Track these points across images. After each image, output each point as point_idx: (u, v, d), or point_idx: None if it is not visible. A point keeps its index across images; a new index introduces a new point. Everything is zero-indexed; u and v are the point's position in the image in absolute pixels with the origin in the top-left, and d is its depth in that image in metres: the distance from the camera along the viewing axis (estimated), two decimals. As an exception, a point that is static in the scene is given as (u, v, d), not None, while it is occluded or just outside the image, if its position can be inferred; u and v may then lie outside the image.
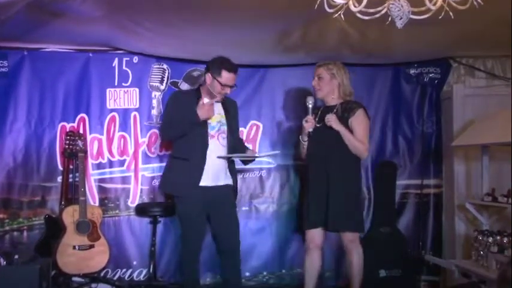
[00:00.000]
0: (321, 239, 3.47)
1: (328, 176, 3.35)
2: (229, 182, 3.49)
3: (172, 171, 3.48)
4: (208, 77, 3.36)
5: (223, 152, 3.43)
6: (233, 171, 3.53)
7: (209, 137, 3.40)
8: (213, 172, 3.39)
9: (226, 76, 3.33)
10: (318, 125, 3.40)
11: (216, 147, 3.42)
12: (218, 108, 3.48)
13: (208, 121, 3.39)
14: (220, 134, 3.45)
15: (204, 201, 3.36)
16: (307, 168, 3.54)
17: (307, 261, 3.52)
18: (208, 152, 3.37)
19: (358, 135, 3.33)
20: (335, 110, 3.39)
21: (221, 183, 3.44)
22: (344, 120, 3.35)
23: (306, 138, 3.45)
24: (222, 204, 3.45)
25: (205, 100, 3.39)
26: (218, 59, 3.37)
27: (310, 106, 3.40)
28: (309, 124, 3.38)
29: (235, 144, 3.58)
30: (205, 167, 3.35)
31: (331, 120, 3.32)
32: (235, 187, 3.56)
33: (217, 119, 3.45)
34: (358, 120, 3.36)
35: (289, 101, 4.41)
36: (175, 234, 4.22)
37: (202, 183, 3.34)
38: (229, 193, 3.51)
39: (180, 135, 3.40)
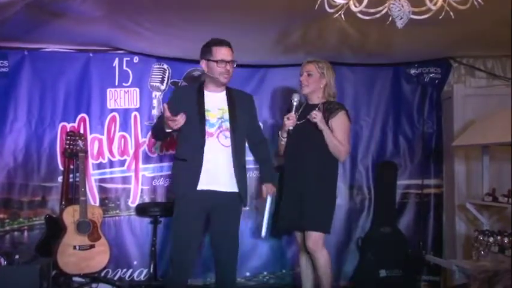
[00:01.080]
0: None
1: (303, 174, 3.26)
2: (235, 189, 3.04)
3: (174, 172, 3.18)
4: (204, 63, 3.04)
5: (224, 153, 3.01)
6: (241, 178, 3.07)
7: (207, 136, 2.99)
8: (213, 175, 2.99)
9: (218, 51, 2.98)
10: (298, 122, 3.30)
11: (217, 147, 3.01)
12: (219, 102, 3.08)
13: (207, 117, 3.01)
14: (222, 132, 3.02)
15: (201, 206, 3.00)
16: (284, 166, 3.43)
17: (301, 261, 3.52)
18: (206, 152, 2.97)
19: (338, 137, 3.23)
20: (317, 109, 3.29)
21: (222, 189, 3.02)
22: (325, 120, 3.25)
23: (285, 135, 3.33)
24: (222, 213, 3.06)
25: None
26: (205, 43, 3.07)
27: (295, 103, 3.29)
28: (291, 122, 3.25)
29: (255, 146, 3.27)
30: (204, 169, 2.97)
31: (317, 117, 3.19)
32: (243, 195, 3.08)
33: (217, 114, 3.05)
34: (339, 122, 3.27)
35: (289, 101, 4.40)
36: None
37: (200, 187, 2.97)
38: (233, 202, 3.07)
39: (159, 134, 3.12)
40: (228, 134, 3.02)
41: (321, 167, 3.27)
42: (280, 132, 3.41)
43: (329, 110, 3.29)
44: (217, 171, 3.01)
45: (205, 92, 3.08)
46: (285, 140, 3.36)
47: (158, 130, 3.07)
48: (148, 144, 4.28)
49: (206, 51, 3.04)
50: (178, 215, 3.06)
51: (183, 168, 3.04)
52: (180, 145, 3.15)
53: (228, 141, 3.02)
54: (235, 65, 3.06)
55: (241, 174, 3.07)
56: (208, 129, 3.00)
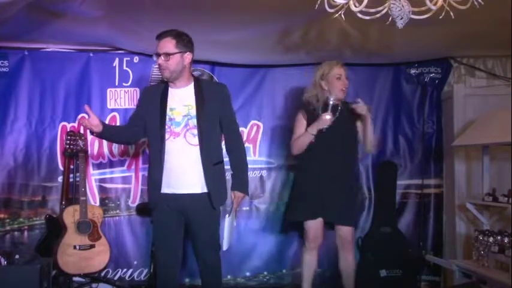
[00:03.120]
0: (322, 235, 3.46)
1: (342, 170, 3.37)
2: (205, 189, 2.85)
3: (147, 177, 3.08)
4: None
5: (193, 153, 2.83)
6: (213, 177, 2.86)
7: (173, 136, 2.83)
8: (179, 177, 2.84)
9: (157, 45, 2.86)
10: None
11: (183, 147, 2.82)
12: (185, 98, 2.88)
13: (172, 116, 2.85)
14: (189, 130, 2.83)
15: (172, 209, 2.87)
16: (309, 160, 3.43)
17: (306, 258, 3.53)
18: (171, 154, 2.82)
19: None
20: (339, 108, 3.40)
21: (192, 190, 2.84)
22: (352, 119, 3.43)
23: (315, 132, 3.33)
24: (196, 216, 2.88)
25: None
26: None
27: (331, 103, 3.33)
28: (329, 121, 3.29)
29: (229, 152, 3.02)
30: (168, 173, 2.83)
31: (365, 108, 3.35)
32: (213, 196, 2.86)
33: (182, 112, 2.85)
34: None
35: (289, 101, 4.41)
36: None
37: (166, 191, 2.85)
38: (203, 203, 2.86)
39: (112, 139, 3.18)
40: (195, 131, 2.83)
41: (351, 163, 3.47)
42: (310, 129, 3.35)
43: (350, 109, 3.42)
44: (184, 173, 2.84)
45: (170, 90, 2.92)
46: (313, 137, 3.35)
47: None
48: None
49: None
50: (154, 221, 3.03)
51: (149, 173, 2.97)
52: (149, 148, 3.07)
53: (196, 140, 2.83)
54: (168, 58, 2.82)
55: (212, 173, 2.85)
56: (174, 128, 2.84)
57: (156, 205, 2.92)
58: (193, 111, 2.85)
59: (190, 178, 2.85)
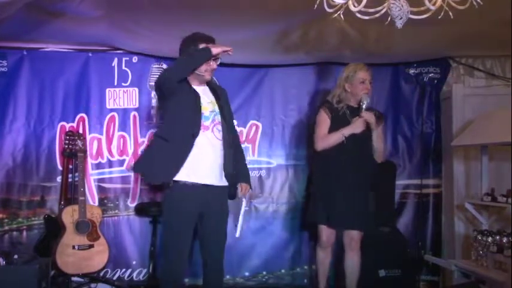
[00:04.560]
0: (335, 234, 3.55)
1: (362, 176, 3.43)
2: (225, 183, 2.95)
3: (150, 153, 2.97)
4: None
5: (217, 147, 2.89)
6: (233, 171, 2.98)
7: (203, 129, 2.86)
8: (204, 169, 2.85)
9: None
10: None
11: (211, 141, 2.88)
12: (207, 95, 2.97)
13: (202, 111, 2.89)
14: (216, 125, 2.91)
15: (191, 204, 2.85)
16: (331, 164, 3.45)
17: (321, 256, 3.58)
18: (200, 145, 2.83)
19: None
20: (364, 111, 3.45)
21: (213, 182, 2.89)
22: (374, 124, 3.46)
23: (347, 135, 3.38)
24: (213, 208, 2.92)
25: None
26: (188, 37, 2.93)
27: (364, 106, 3.40)
28: (363, 127, 3.38)
29: (233, 144, 3.06)
30: (191, 162, 2.81)
31: (372, 117, 3.39)
32: (232, 189, 3.01)
33: (210, 107, 2.92)
34: (381, 127, 3.54)
35: (289, 101, 4.41)
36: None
37: (194, 180, 2.83)
38: (223, 196, 2.98)
39: (185, 68, 2.84)
40: (220, 127, 2.92)
41: (370, 168, 3.49)
42: (344, 131, 3.39)
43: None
44: (210, 165, 2.87)
45: (194, 87, 2.95)
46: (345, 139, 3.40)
47: (187, 64, 2.85)
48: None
49: (191, 46, 2.91)
50: (169, 215, 2.91)
51: (164, 150, 2.86)
52: (167, 124, 2.95)
53: (221, 135, 2.92)
54: (219, 62, 2.93)
55: (232, 167, 2.96)
56: (203, 122, 2.87)
57: (182, 195, 2.84)
58: (217, 108, 2.95)
59: (214, 170, 2.89)
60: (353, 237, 3.47)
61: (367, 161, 3.47)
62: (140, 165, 3.10)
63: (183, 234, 2.87)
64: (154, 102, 4.30)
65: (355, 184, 3.41)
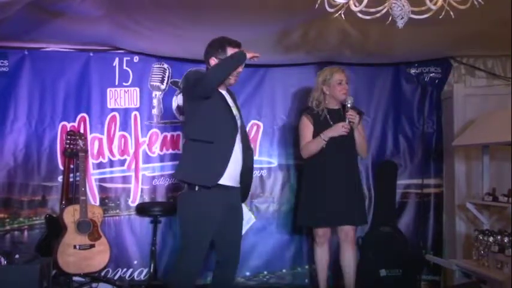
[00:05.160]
0: (330, 230, 3.63)
1: (349, 173, 3.53)
2: (238, 184, 3.00)
3: (191, 154, 2.92)
4: (214, 61, 2.93)
5: (238, 150, 2.92)
6: (246, 175, 3.05)
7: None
8: (233, 171, 2.90)
9: (232, 52, 2.92)
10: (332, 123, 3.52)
11: (238, 144, 2.94)
12: (229, 99, 3.02)
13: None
14: (239, 128, 2.98)
15: (221, 205, 2.87)
16: (322, 165, 3.50)
17: (317, 255, 3.63)
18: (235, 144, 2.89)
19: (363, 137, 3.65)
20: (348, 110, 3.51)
21: (237, 184, 2.97)
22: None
23: (327, 139, 3.45)
24: (237, 208, 3.01)
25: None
26: (216, 40, 2.97)
27: (349, 106, 3.48)
28: (344, 130, 3.44)
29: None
30: (229, 163, 2.85)
31: (356, 118, 3.47)
32: (246, 192, 3.10)
33: (234, 111, 2.99)
34: (361, 124, 3.62)
35: (289, 101, 4.41)
36: (176, 233, 4.24)
37: (224, 182, 2.85)
38: (239, 198, 3.05)
39: (224, 71, 2.87)
40: (239, 129, 2.98)
41: (357, 165, 3.66)
42: (323, 135, 3.46)
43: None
44: (235, 168, 2.92)
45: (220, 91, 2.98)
46: (325, 143, 3.47)
47: (227, 67, 2.88)
48: (149, 144, 4.29)
49: (218, 49, 2.94)
50: (198, 212, 2.85)
51: (208, 152, 2.84)
52: (201, 126, 2.89)
53: (240, 138, 2.97)
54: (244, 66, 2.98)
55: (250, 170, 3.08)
56: None
57: (211, 192, 2.84)
58: (238, 112, 3.03)
59: (236, 172, 2.94)
60: (347, 232, 3.52)
61: (352, 158, 3.58)
62: (184, 172, 2.95)
63: (208, 235, 2.88)
64: (155, 102, 4.30)
65: (343, 182, 3.48)
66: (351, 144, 3.54)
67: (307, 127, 3.58)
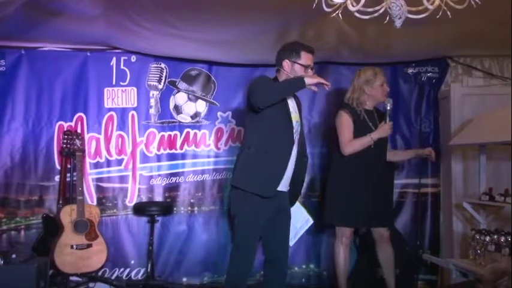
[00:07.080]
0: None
1: (383, 174, 3.58)
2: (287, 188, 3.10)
3: (248, 162, 2.99)
4: (286, 63, 3.03)
5: (294, 156, 3.02)
6: (299, 183, 3.20)
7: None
8: (287, 179, 3.02)
9: (306, 56, 3.03)
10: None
11: (293, 152, 3.01)
12: (293, 105, 3.09)
13: (293, 121, 3.02)
14: (297, 136, 3.04)
15: (273, 205, 2.99)
16: (363, 165, 3.48)
17: (341, 255, 3.62)
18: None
19: None
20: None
21: (286, 189, 3.07)
22: None
23: (376, 139, 3.45)
24: (287, 211, 3.13)
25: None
26: (290, 44, 3.08)
27: (389, 109, 3.51)
28: (390, 131, 3.51)
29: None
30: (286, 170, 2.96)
31: (389, 132, 3.53)
32: (296, 196, 3.25)
33: (295, 118, 3.04)
34: None
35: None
36: (173, 233, 4.24)
37: (278, 188, 2.96)
38: (288, 201, 3.15)
39: (281, 96, 2.93)
40: (297, 137, 3.04)
41: (392, 167, 3.77)
42: (372, 135, 3.46)
43: (380, 116, 3.60)
44: (288, 175, 3.02)
45: None
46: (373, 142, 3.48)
47: (288, 88, 2.98)
48: (146, 144, 4.28)
49: (292, 52, 3.04)
50: (250, 213, 2.95)
51: (264, 162, 2.93)
52: (261, 136, 2.97)
53: (297, 145, 3.04)
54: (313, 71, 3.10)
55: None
56: (294, 133, 3.01)
57: (264, 200, 2.93)
58: (299, 119, 3.08)
59: (289, 179, 3.05)
60: (382, 233, 3.60)
61: (385, 161, 3.60)
62: (240, 180, 3.00)
63: (258, 236, 3.01)
64: (152, 101, 4.30)
65: (379, 184, 3.51)
66: (385, 146, 3.58)
67: (348, 124, 3.49)
